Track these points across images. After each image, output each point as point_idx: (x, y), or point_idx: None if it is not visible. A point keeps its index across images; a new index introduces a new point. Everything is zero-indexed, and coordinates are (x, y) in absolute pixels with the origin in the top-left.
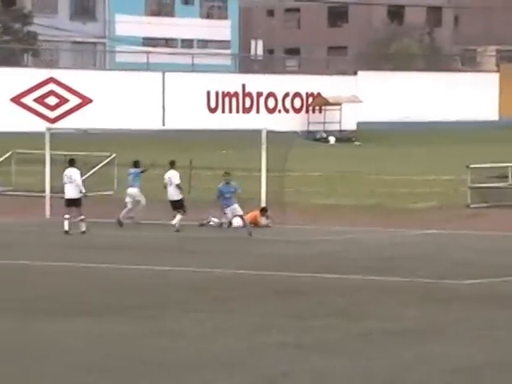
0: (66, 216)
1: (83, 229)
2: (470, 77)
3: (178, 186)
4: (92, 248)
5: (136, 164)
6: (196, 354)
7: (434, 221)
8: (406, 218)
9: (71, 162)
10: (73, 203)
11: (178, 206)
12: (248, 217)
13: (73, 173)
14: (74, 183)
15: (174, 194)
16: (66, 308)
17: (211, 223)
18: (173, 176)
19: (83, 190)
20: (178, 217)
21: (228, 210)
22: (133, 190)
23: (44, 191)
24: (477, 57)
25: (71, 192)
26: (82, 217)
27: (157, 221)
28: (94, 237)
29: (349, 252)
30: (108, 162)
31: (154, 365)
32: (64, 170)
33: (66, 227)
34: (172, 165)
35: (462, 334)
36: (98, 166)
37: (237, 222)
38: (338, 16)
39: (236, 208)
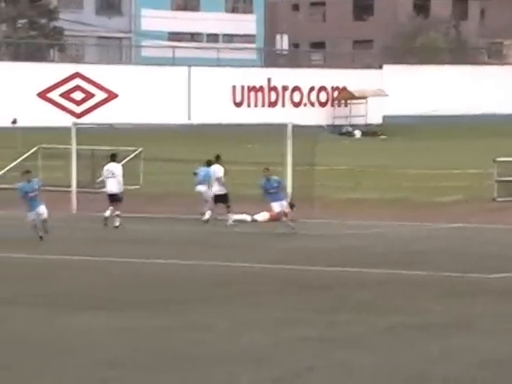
0: (110, 208)
1: (117, 224)
2: (497, 70)
3: (220, 180)
4: (119, 242)
5: (209, 163)
6: (223, 348)
7: (460, 214)
8: (431, 212)
9: (113, 157)
10: (113, 198)
11: (222, 200)
12: (273, 212)
13: (115, 167)
14: (116, 178)
15: (218, 188)
16: (93, 302)
17: (230, 222)
18: (217, 170)
19: (122, 186)
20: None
21: (276, 205)
22: (202, 188)
23: (70, 186)
24: (503, 50)
25: (113, 187)
26: (118, 212)
27: (191, 215)
28: (121, 231)
29: (374, 246)
30: (134, 156)
31: (181, 359)
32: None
33: (115, 223)
34: (217, 159)
35: (488, 328)
36: (125, 160)
37: (262, 216)
38: (363, 9)
39: (283, 203)
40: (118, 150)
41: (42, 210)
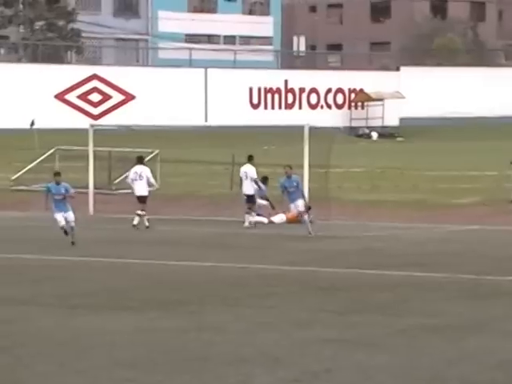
0: (139, 212)
1: (135, 222)
2: None
3: (255, 181)
4: (137, 243)
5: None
6: (239, 348)
7: (477, 216)
8: (448, 214)
9: (140, 160)
10: (142, 200)
11: (252, 200)
12: (291, 214)
13: (143, 170)
14: (143, 180)
15: (249, 188)
16: (110, 303)
17: (247, 224)
18: (249, 170)
19: (156, 185)
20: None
21: (292, 206)
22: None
23: (87, 187)
24: None
25: (142, 189)
26: (143, 212)
27: (208, 217)
28: (139, 232)
29: (391, 248)
30: (151, 158)
31: (197, 360)
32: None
33: (145, 223)
34: (250, 159)
35: (505, 330)
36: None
37: (279, 218)
38: (380, 11)
39: (299, 204)
40: (134, 151)
41: (70, 216)
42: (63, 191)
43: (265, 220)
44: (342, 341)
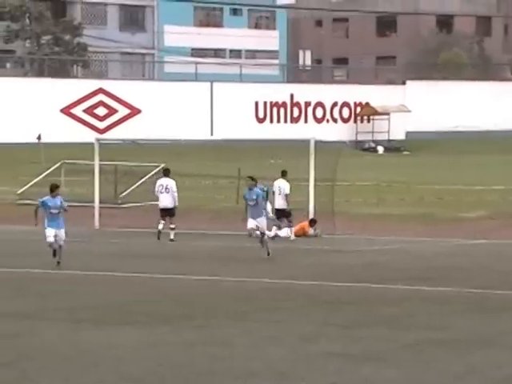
0: (162, 221)
1: (172, 237)
2: None
3: (286, 197)
4: (142, 257)
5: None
6: (245, 362)
7: (484, 230)
8: (455, 228)
9: (166, 172)
10: (168, 212)
11: (284, 214)
12: (296, 227)
13: (169, 182)
14: (170, 193)
15: (281, 203)
16: (115, 317)
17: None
18: (283, 185)
19: (176, 202)
20: (286, 229)
21: (251, 220)
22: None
23: (93, 201)
24: None
25: (167, 201)
26: (173, 226)
27: (214, 230)
28: (144, 246)
29: (398, 262)
30: (156, 172)
31: (205, 374)
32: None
33: (160, 228)
34: (283, 175)
35: None
36: (147, 176)
37: (284, 232)
38: (386, 25)
39: (262, 223)
40: (140, 165)
41: (62, 234)
42: (59, 203)
43: (270, 234)
44: (348, 355)
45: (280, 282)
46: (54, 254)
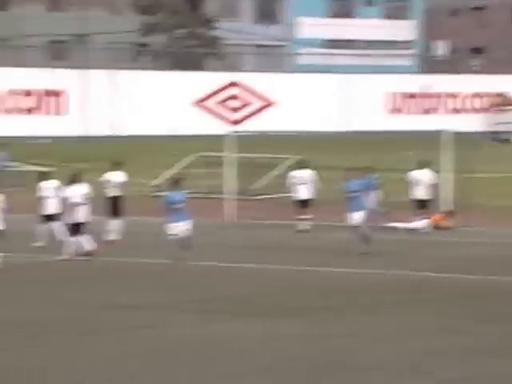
0: (301, 216)
1: (301, 227)
2: None
3: (432, 186)
4: (274, 250)
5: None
6: (376, 355)
7: None
8: None
9: (302, 164)
10: (304, 204)
11: (423, 205)
12: (432, 218)
13: (306, 174)
14: (307, 184)
15: (423, 194)
16: (247, 309)
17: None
18: (424, 177)
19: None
20: (423, 221)
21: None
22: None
23: (229, 193)
24: None
25: (305, 193)
26: (309, 216)
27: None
28: (279, 238)
29: None
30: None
31: (337, 366)
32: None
33: (301, 227)
34: (424, 165)
35: None
36: (281, 168)
37: (420, 224)
38: None
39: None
40: (275, 157)
41: (189, 225)
42: (184, 198)
43: (400, 225)
44: (481, 349)
45: (417, 274)
46: (184, 245)
